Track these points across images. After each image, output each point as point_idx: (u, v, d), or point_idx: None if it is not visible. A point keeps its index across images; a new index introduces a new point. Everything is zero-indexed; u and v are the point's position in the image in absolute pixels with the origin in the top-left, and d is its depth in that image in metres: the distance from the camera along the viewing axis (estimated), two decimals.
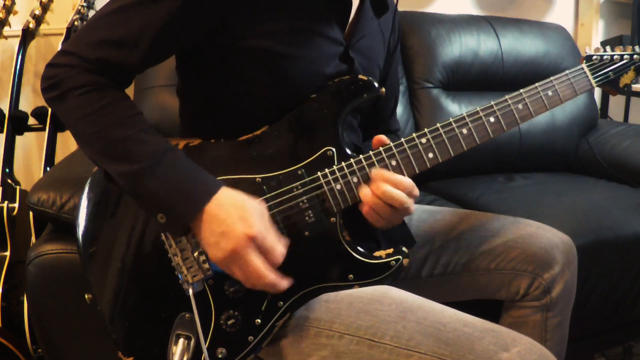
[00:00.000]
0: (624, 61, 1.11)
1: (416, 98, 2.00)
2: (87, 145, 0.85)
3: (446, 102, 1.99)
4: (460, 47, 2.04)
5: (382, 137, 0.92)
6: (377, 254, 0.90)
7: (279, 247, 0.82)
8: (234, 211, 0.80)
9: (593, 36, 2.56)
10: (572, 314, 1.12)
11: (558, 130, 2.06)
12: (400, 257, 0.90)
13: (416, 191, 0.90)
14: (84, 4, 1.81)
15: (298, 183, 0.89)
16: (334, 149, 0.90)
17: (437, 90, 2.00)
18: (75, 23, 1.77)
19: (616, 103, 2.56)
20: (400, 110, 1.96)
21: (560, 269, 1.06)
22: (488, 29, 2.11)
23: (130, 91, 1.81)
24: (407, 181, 0.88)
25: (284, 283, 0.83)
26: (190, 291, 0.85)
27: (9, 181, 1.72)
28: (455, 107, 1.99)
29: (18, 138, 1.81)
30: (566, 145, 2.11)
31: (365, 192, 0.88)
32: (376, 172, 0.89)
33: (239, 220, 0.79)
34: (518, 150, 2.02)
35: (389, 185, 0.87)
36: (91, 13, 1.86)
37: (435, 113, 1.97)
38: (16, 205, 1.67)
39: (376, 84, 0.92)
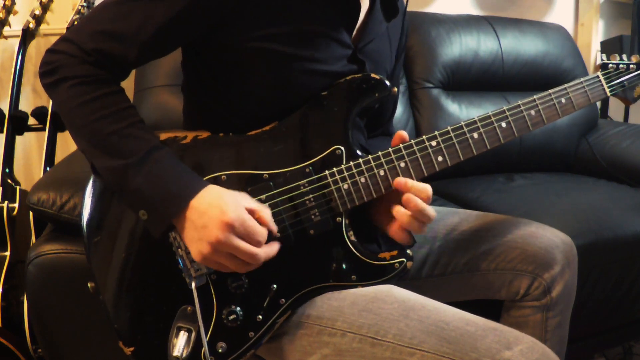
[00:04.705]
0: None
1: (416, 98, 2.01)
2: (78, 136, 0.86)
3: (446, 102, 1.99)
4: (460, 47, 2.04)
5: (403, 134, 0.92)
6: (381, 255, 0.90)
7: (260, 229, 0.82)
8: (213, 203, 0.81)
9: (593, 36, 2.56)
10: (572, 314, 1.12)
11: (558, 130, 2.07)
12: (404, 259, 0.90)
13: (430, 200, 0.89)
14: (84, 4, 1.81)
15: (305, 181, 0.89)
16: (342, 148, 0.90)
17: (437, 90, 2.01)
18: (75, 23, 1.77)
19: (616, 103, 2.56)
20: (400, 110, 1.96)
21: (561, 269, 1.06)
22: (488, 29, 2.12)
23: (130, 91, 1.82)
24: (428, 189, 0.88)
25: (274, 248, 0.85)
26: (193, 284, 0.85)
27: (9, 181, 1.72)
28: (455, 107, 2.00)
29: (18, 138, 1.81)
30: (566, 145, 2.11)
31: (400, 212, 0.87)
32: (399, 180, 0.88)
33: (216, 211, 0.80)
34: (518, 150, 2.02)
35: (419, 200, 0.86)
36: None
37: (435, 113, 1.97)
38: (16, 205, 1.67)
39: (387, 83, 0.92)
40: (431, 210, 0.87)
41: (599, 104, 2.47)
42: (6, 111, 1.77)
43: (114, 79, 0.87)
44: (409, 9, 1.08)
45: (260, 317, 0.88)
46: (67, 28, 1.76)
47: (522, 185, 1.85)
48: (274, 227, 0.85)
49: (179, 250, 0.87)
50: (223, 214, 0.79)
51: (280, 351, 0.91)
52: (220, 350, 0.87)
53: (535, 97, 0.98)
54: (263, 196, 0.88)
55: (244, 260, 0.82)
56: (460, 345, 0.76)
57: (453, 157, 0.92)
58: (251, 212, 0.83)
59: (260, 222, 0.83)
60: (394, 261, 0.90)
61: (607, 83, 1.05)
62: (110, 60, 0.85)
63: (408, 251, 0.91)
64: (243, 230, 0.80)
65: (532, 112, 0.97)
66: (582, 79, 1.02)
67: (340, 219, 0.90)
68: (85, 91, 0.84)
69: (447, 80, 2.03)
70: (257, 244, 0.82)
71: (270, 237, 0.85)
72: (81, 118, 0.84)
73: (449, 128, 0.92)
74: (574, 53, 2.22)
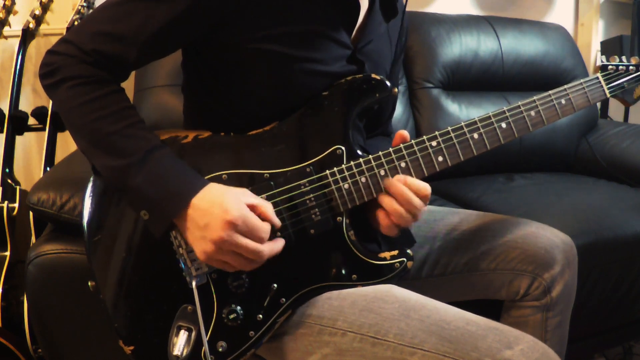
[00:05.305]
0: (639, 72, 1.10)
1: (416, 98, 2.01)
2: (78, 136, 0.86)
3: (446, 102, 1.99)
4: (460, 47, 2.04)
5: (404, 134, 0.92)
6: (381, 255, 0.90)
7: (263, 225, 0.82)
8: (215, 201, 0.81)
9: (593, 36, 2.56)
10: (572, 314, 1.12)
11: (558, 130, 2.07)
12: (404, 259, 0.90)
13: (428, 199, 0.90)
14: (84, 4, 1.81)
15: (305, 180, 0.89)
16: (343, 148, 0.90)
17: (437, 90, 2.01)
18: (75, 23, 1.77)
19: (616, 103, 2.57)
20: (400, 110, 1.96)
21: (561, 269, 1.06)
22: (488, 29, 2.12)
23: (130, 91, 1.82)
24: (426, 189, 0.88)
25: (278, 244, 0.85)
26: (194, 283, 0.85)
27: (9, 181, 1.72)
28: (455, 107, 2.00)
29: (18, 138, 1.81)
30: (566, 145, 2.11)
31: (386, 201, 0.88)
32: (399, 177, 0.89)
33: (218, 210, 0.80)
34: (518, 150, 2.02)
35: (409, 191, 0.87)
36: None
37: (435, 113, 1.97)
38: (16, 205, 1.67)
39: (388, 84, 0.92)
40: (418, 201, 0.87)
41: (599, 104, 2.47)
42: (6, 111, 1.77)
43: (114, 80, 0.87)
44: (409, 8, 1.08)
45: (260, 316, 0.88)
46: (67, 28, 1.76)
47: (522, 185, 1.85)
48: (277, 221, 0.85)
49: (180, 249, 0.87)
50: (225, 213, 0.79)
51: (281, 351, 0.91)
52: (220, 350, 0.87)
53: (535, 97, 0.98)
54: (264, 195, 0.88)
55: (249, 258, 0.82)
56: (461, 345, 0.76)
57: (453, 157, 0.92)
58: (252, 207, 0.83)
59: (262, 217, 0.83)
60: (394, 261, 0.90)
61: (606, 84, 1.06)
62: (110, 61, 0.85)
63: (408, 251, 0.91)
64: (245, 227, 0.80)
65: (532, 112, 0.97)
66: (581, 80, 1.03)
67: (340, 218, 0.90)
68: (85, 91, 0.84)
69: (447, 80, 2.03)
70: (260, 240, 0.82)
71: (274, 231, 0.85)
72: (81, 118, 0.84)
73: (449, 128, 0.92)
74: (574, 53, 2.22)
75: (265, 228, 0.82)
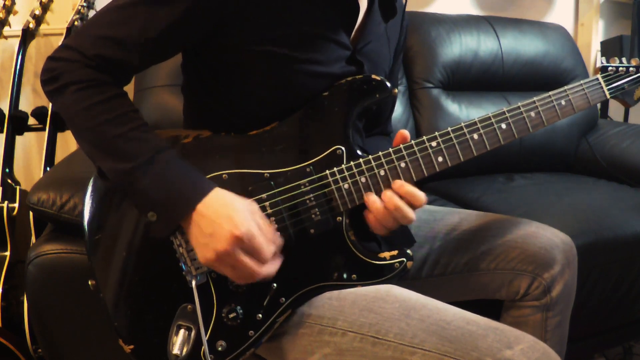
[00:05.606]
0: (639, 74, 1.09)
1: (416, 98, 2.01)
2: (83, 140, 0.85)
3: (446, 102, 2.00)
4: (460, 47, 2.05)
5: (405, 133, 0.92)
6: (381, 255, 0.90)
7: (268, 247, 0.82)
8: (223, 211, 0.80)
9: (593, 36, 2.56)
10: (572, 314, 1.12)
11: (558, 131, 2.07)
12: (404, 259, 0.90)
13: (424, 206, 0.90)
14: (84, 4, 1.81)
15: (306, 180, 0.89)
16: (343, 148, 0.90)
17: (437, 90, 2.01)
18: (75, 23, 1.77)
19: (616, 103, 2.57)
20: (400, 110, 1.96)
21: (560, 269, 1.06)
22: (488, 29, 2.12)
23: (130, 91, 1.81)
24: (422, 199, 0.88)
25: (274, 266, 0.84)
26: (193, 283, 0.85)
27: (9, 181, 1.72)
28: (455, 107, 2.00)
29: (18, 138, 1.81)
30: (566, 145, 2.11)
31: (373, 200, 0.88)
32: (396, 185, 0.88)
33: (226, 220, 0.79)
34: (518, 150, 2.02)
35: (406, 205, 0.87)
36: (91, 13, 1.86)
37: (435, 113, 1.97)
38: (16, 205, 1.67)
39: (388, 84, 0.92)
40: (410, 212, 0.87)
41: (599, 104, 2.47)
42: (6, 111, 1.77)
43: (116, 83, 0.87)
44: (408, 8, 1.08)
45: (260, 315, 0.88)
46: (67, 28, 1.76)
47: (522, 185, 1.85)
48: (279, 241, 0.85)
49: (180, 248, 0.87)
50: (234, 227, 0.79)
51: (281, 350, 0.91)
52: (220, 349, 0.87)
53: (535, 99, 0.98)
54: (264, 195, 0.88)
55: (244, 276, 0.82)
56: (461, 344, 0.76)
57: (453, 158, 0.92)
58: (259, 227, 0.82)
59: (266, 236, 0.83)
60: (394, 261, 0.90)
61: (606, 86, 1.06)
62: (112, 65, 0.85)
63: (408, 251, 0.91)
64: (251, 246, 0.80)
65: (532, 113, 0.97)
66: (581, 82, 1.03)
67: (340, 218, 0.90)
68: (89, 95, 0.83)
69: (447, 80, 2.03)
70: (262, 261, 0.82)
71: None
72: (86, 122, 0.84)
73: (449, 129, 0.92)
74: (574, 53, 2.23)
75: (269, 250, 0.82)
